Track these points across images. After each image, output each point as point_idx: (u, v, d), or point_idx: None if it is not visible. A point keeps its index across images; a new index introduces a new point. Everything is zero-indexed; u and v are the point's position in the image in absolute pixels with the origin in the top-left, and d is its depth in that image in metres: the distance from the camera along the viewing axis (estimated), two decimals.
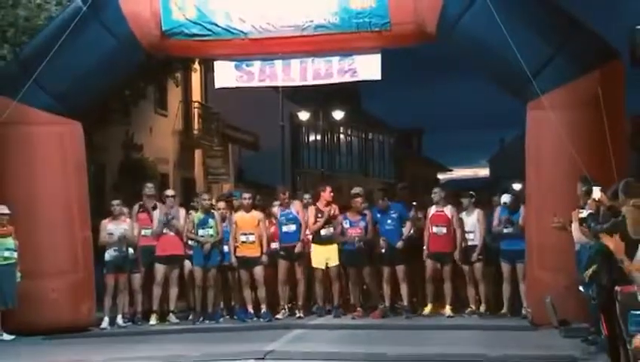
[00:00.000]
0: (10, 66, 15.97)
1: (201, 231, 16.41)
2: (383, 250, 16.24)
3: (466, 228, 16.27)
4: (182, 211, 16.79)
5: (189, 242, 16.53)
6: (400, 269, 16.29)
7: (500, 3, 14.49)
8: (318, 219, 16.59)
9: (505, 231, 15.86)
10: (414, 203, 17.62)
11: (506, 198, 16.09)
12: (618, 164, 13.33)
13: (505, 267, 15.89)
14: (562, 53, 14.52)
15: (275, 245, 16.70)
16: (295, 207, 16.72)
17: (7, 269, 14.92)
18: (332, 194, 17.04)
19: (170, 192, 17.47)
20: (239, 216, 16.55)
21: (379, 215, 16.55)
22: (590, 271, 10.08)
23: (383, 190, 18.16)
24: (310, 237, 16.69)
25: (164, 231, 16.46)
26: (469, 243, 16.23)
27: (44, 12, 16.68)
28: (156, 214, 16.60)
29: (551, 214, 13.66)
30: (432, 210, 16.41)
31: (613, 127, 13.88)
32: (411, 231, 16.47)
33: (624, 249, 8.59)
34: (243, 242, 16.39)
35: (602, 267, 9.57)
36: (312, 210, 16.71)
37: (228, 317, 16.65)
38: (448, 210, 16.32)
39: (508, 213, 15.90)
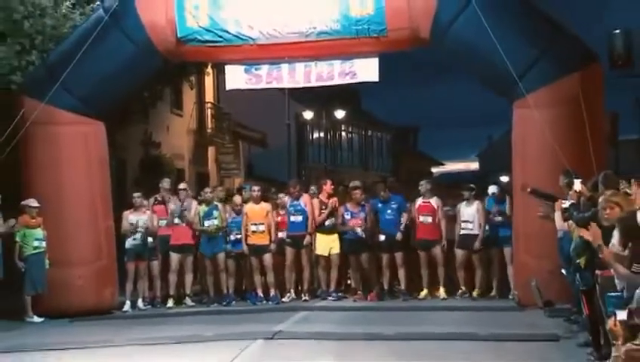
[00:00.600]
0: (38, 71, 15.99)
1: (206, 223, 16.44)
2: (383, 238, 16.28)
3: (466, 218, 16.22)
4: (194, 203, 16.81)
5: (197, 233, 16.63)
6: (398, 256, 16.34)
7: (489, 10, 14.49)
8: (322, 211, 16.63)
9: (496, 219, 15.91)
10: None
11: (493, 189, 16.13)
12: (597, 158, 13.37)
13: (494, 252, 15.95)
14: (546, 56, 14.54)
15: (282, 234, 16.71)
16: (303, 199, 16.74)
17: (36, 258, 14.98)
18: (333, 187, 17.08)
19: (182, 185, 17.48)
20: (249, 207, 16.57)
21: (380, 205, 16.57)
22: (583, 259, 10.07)
23: (383, 182, 18.13)
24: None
25: (177, 221, 16.49)
26: (468, 231, 16.17)
27: (70, 21, 16.69)
28: (172, 206, 16.67)
29: (536, 205, 13.71)
30: (419, 201, 16.44)
31: (593, 125, 13.93)
32: (407, 222, 16.49)
33: (601, 236, 8.64)
34: (253, 231, 16.42)
35: (593, 255, 9.58)
36: (316, 202, 16.74)
37: (239, 300, 16.67)
38: (434, 201, 16.35)
39: (494, 203, 15.93)
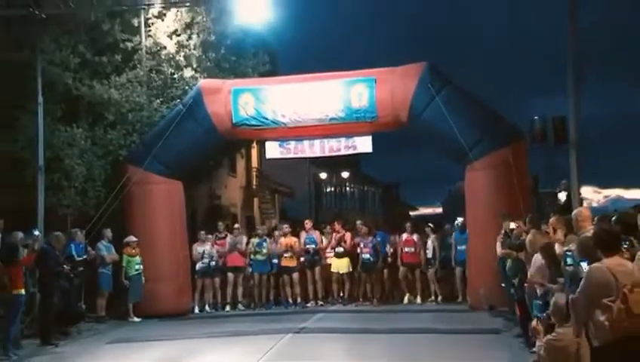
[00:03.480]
0: (138, 148, 16.11)
1: (257, 250, 16.36)
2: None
3: (428, 247, 16.13)
4: (244, 238, 16.79)
5: (251, 257, 16.47)
6: (385, 273, 16.31)
7: (448, 103, 14.65)
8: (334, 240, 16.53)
9: (458, 247, 15.55)
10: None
11: (458, 221, 15.84)
12: (524, 205, 13.38)
13: (457, 270, 15.67)
14: (487, 135, 14.62)
15: (302, 259, 16.51)
16: (315, 234, 16.69)
17: (137, 277, 15.04)
18: (341, 226, 17.01)
19: (237, 225, 17.48)
20: (283, 239, 16.50)
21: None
22: (516, 280, 10.10)
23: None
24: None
25: (232, 250, 16.43)
26: (429, 256, 16.10)
27: (159, 113, 16.84)
28: (229, 239, 16.65)
29: (483, 237, 13.68)
30: (405, 236, 16.28)
31: (520, 182, 13.99)
32: (390, 252, 16.36)
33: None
34: (285, 257, 16.39)
35: (521, 277, 9.63)
36: (334, 235, 16.59)
37: (276, 305, 16.48)
38: (415, 236, 16.24)
39: (460, 232, 15.56)
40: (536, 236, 8.38)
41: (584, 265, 5.95)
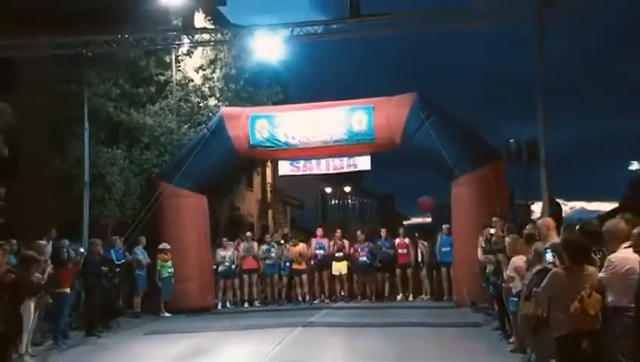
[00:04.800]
0: (168, 166, 16.24)
1: (266, 254, 16.43)
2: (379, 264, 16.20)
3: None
4: (255, 244, 16.82)
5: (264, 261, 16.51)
6: (381, 275, 16.36)
7: (436, 127, 14.70)
8: (334, 246, 16.58)
9: (443, 249, 15.59)
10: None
11: (444, 227, 15.82)
12: (503, 216, 13.38)
13: (444, 271, 15.68)
14: (470, 154, 14.65)
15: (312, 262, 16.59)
16: (325, 240, 16.76)
17: (168, 279, 15.06)
18: (341, 233, 17.03)
19: (249, 234, 17.48)
20: (294, 247, 16.54)
21: (379, 243, 16.40)
22: (494, 279, 10.16)
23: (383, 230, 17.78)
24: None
25: (246, 255, 16.46)
26: (418, 259, 16.13)
27: (187, 136, 17.00)
28: (243, 246, 16.67)
29: (467, 244, 13.67)
30: (398, 240, 16.35)
31: (499, 196, 13.97)
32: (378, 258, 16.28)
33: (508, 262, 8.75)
34: (295, 261, 16.43)
35: (499, 278, 9.69)
36: (333, 242, 16.69)
37: (288, 302, 16.46)
38: (407, 240, 16.29)
39: (446, 236, 15.56)
40: (514, 240, 8.52)
41: (549, 256, 6.09)
